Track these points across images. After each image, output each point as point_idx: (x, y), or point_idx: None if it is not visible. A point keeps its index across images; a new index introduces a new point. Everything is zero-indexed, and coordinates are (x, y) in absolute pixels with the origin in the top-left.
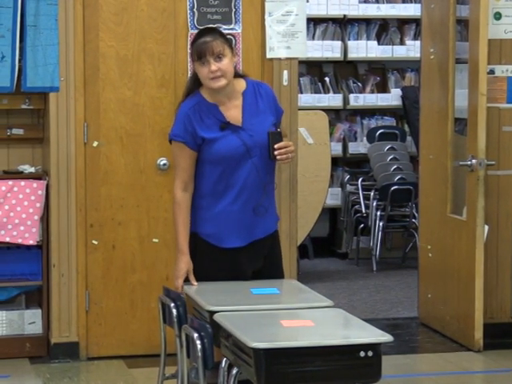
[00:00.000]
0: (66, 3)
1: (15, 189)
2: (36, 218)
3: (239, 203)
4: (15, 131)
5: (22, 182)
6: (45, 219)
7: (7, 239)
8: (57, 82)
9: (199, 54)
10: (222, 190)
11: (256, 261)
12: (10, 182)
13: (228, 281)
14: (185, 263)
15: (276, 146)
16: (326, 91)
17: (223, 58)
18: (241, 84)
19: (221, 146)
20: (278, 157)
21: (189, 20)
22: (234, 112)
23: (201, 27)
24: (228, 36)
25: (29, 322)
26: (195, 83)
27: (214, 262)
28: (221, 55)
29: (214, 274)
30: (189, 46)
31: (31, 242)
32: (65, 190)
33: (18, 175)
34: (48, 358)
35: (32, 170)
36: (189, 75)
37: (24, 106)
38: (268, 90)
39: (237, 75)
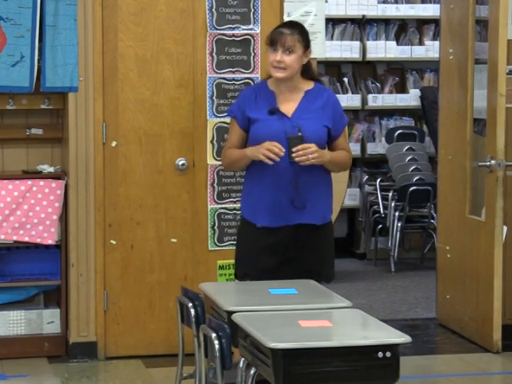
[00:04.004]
0: (85, 3)
1: (34, 188)
2: (55, 217)
3: (271, 192)
4: (34, 131)
5: (41, 182)
6: (63, 219)
7: (26, 239)
8: (76, 82)
9: (272, 41)
10: (257, 174)
11: (283, 249)
12: (29, 182)
13: (261, 259)
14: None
15: (294, 149)
16: (345, 91)
17: (292, 54)
18: (308, 84)
19: (261, 127)
20: (296, 159)
21: (208, 20)
22: (289, 104)
23: (219, 27)
24: (246, 37)
25: (47, 321)
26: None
27: (249, 238)
28: (290, 50)
29: (249, 251)
30: (208, 46)
31: (50, 242)
32: (83, 189)
33: (36, 175)
34: (66, 357)
35: (51, 169)
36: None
37: (43, 106)
38: (331, 96)
39: (309, 77)
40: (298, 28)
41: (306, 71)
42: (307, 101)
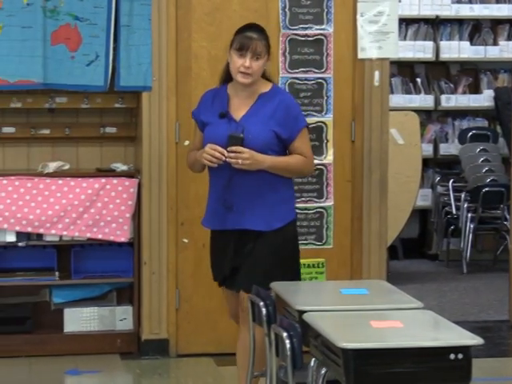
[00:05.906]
0: (159, 3)
1: (108, 186)
2: (128, 215)
3: (212, 193)
4: (108, 130)
5: (115, 180)
6: (136, 217)
7: (99, 236)
8: (149, 82)
9: (241, 46)
10: (210, 177)
11: (232, 254)
12: (103, 180)
13: (218, 264)
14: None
15: (228, 149)
16: (418, 92)
17: (259, 60)
18: (265, 86)
19: (209, 131)
20: (227, 159)
21: (281, 20)
22: (241, 107)
23: (293, 27)
24: (319, 36)
25: (120, 318)
26: (227, 75)
27: (210, 242)
28: (259, 56)
29: (211, 255)
30: (281, 46)
31: (123, 240)
32: (156, 188)
33: (110, 173)
34: (138, 354)
35: (124, 168)
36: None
37: (117, 105)
38: (284, 99)
39: (267, 78)
40: (264, 33)
41: (264, 73)
42: (260, 104)
